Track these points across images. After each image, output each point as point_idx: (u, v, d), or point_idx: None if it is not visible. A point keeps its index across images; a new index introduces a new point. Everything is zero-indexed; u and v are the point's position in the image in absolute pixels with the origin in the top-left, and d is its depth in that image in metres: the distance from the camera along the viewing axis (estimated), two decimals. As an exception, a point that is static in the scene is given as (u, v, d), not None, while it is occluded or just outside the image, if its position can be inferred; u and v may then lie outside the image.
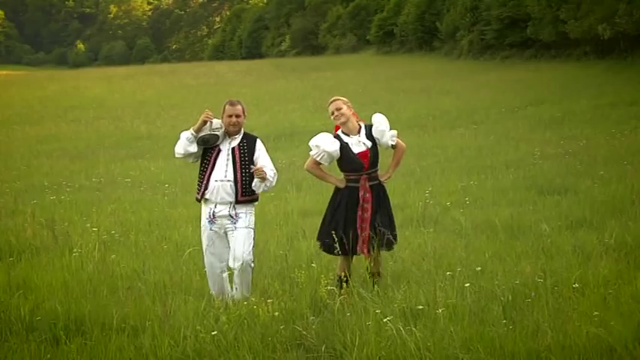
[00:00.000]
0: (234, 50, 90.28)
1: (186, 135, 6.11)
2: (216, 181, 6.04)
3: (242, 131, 6.20)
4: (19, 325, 5.37)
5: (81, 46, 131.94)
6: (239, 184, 6.05)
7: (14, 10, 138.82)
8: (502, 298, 5.39)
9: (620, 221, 8.18)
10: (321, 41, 71.03)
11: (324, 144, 6.18)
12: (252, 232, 6.15)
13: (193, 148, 6.10)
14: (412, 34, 53.93)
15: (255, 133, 6.42)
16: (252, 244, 6.11)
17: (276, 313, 5.32)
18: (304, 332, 5.02)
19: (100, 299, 5.99)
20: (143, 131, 22.79)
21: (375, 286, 5.93)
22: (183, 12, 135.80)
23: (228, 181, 6.04)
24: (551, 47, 37.99)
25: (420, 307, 5.31)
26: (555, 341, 4.58)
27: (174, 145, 6.20)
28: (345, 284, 6.01)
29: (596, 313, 4.93)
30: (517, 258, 6.82)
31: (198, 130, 6.05)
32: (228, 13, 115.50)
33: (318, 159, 6.23)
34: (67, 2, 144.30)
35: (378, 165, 6.29)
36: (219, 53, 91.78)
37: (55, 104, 32.00)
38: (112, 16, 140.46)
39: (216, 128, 6.07)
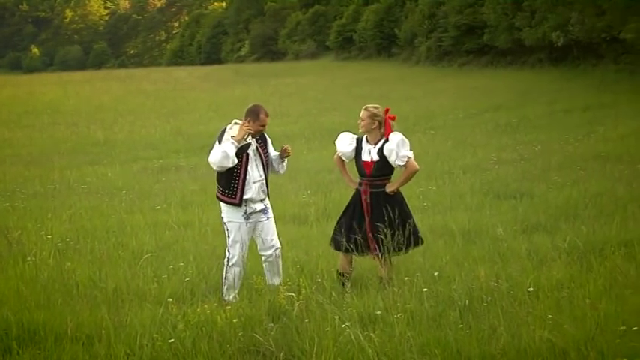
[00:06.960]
0: (193, 56, 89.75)
1: (231, 148, 6.24)
2: (254, 182, 6.36)
3: None
4: (-30, 335, 5.25)
5: (35, 50, 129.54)
6: (267, 180, 6.54)
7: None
8: (459, 303, 5.45)
9: (573, 225, 8.35)
10: (281, 47, 71.03)
11: (339, 143, 6.62)
12: None
13: (235, 158, 6.29)
14: (371, 41, 54.34)
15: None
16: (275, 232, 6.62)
17: (235, 320, 5.30)
18: (262, 339, 5.01)
19: (55, 308, 5.88)
20: (100, 137, 22.47)
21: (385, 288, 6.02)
22: (140, 17, 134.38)
23: (263, 179, 6.43)
24: (507, 54, 38.60)
25: (378, 312, 5.34)
26: (510, 344, 4.65)
27: (215, 159, 6.26)
28: (345, 281, 6.35)
29: (550, 316, 5.02)
30: (474, 262, 6.90)
31: (239, 142, 6.29)
32: (186, 18, 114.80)
33: (340, 155, 6.64)
34: (20, 6, 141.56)
35: (390, 177, 6.50)
36: (178, 59, 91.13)
37: (8, 109, 31.32)
38: (67, 20, 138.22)
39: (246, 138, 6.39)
